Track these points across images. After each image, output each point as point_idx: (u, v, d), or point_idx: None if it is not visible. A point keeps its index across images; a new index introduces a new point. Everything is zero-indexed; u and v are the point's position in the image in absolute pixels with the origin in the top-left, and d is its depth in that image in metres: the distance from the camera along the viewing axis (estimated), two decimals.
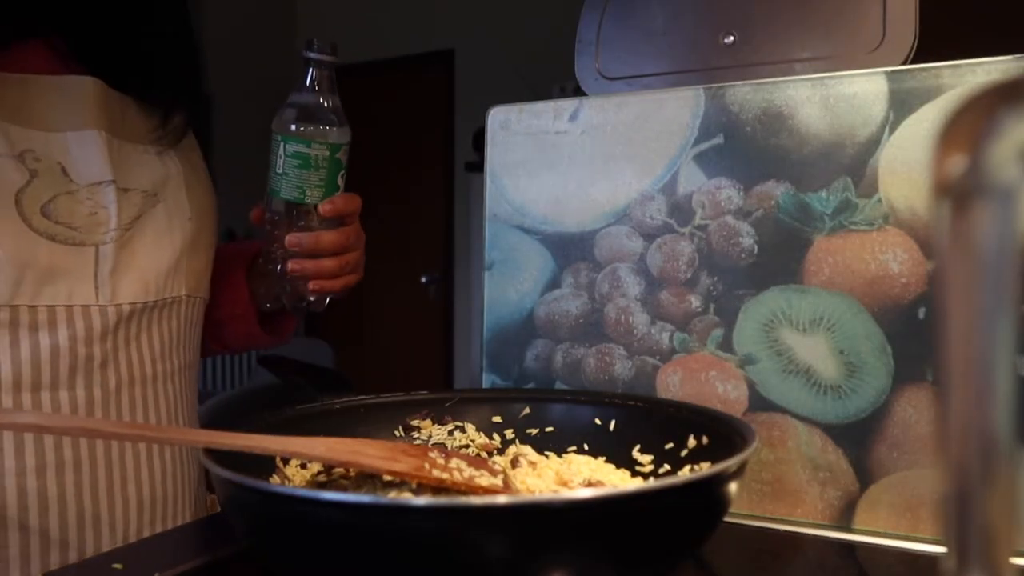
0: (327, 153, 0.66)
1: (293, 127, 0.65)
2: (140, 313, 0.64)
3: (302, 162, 0.65)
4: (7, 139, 0.58)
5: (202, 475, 0.72)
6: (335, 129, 0.66)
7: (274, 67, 3.93)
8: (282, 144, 0.66)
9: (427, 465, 0.45)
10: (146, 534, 0.64)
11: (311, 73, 0.66)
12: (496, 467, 0.49)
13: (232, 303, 0.77)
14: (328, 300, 0.73)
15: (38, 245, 0.58)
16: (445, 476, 0.45)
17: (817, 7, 0.64)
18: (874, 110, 0.58)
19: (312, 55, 0.66)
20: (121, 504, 0.62)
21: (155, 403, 0.65)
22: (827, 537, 0.56)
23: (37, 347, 0.58)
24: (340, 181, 0.68)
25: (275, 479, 0.50)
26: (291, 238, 0.67)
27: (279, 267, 0.70)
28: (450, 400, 0.61)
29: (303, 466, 0.53)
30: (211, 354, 0.82)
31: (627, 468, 0.54)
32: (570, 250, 0.68)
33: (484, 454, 0.57)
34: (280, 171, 0.66)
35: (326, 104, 0.66)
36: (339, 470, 0.51)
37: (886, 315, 0.57)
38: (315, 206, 0.67)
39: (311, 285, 0.69)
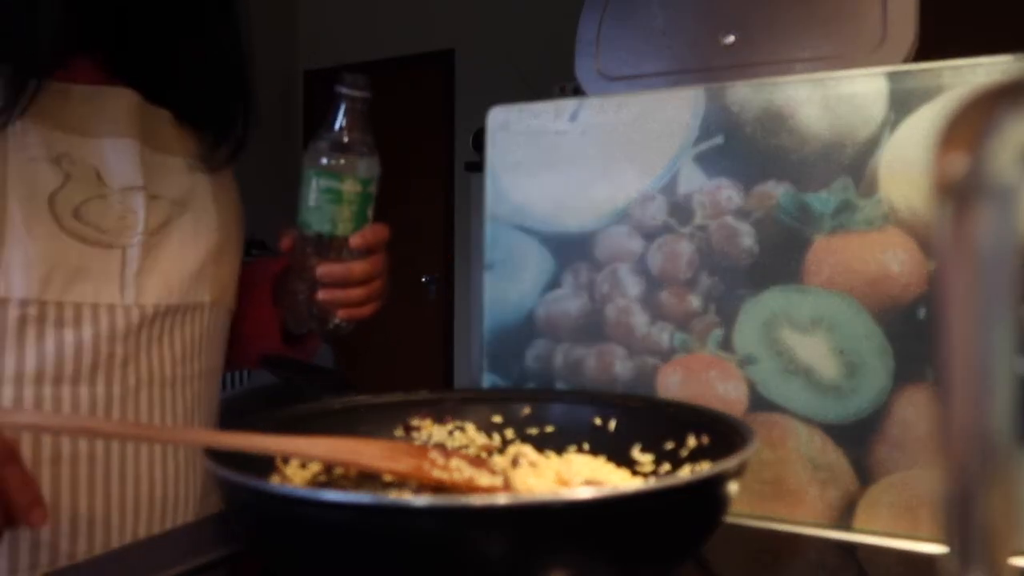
0: (359, 188, 0.66)
1: (325, 161, 0.65)
2: (163, 315, 0.65)
3: (334, 197, 0.65)
4: (45, 143, 0.60)
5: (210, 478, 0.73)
6: (366, 163, 0.66)
7: (274, 67, 3.93)
8: (314, 179, 0.65)
9: (427, 465, 0.45)
10: (155, 532, 0.64)
11: (343, 108, 0.66)
12: (496, 467, 0.49)
13: (256, 318, 0.78)
14: (354, 325, 0.73)
15: (68, 245, 0.60)
16: (445, 476, 0.45)
17: (817, 7, 0.64)
18: (874, 110, 0.58)
19: (344, 90, 0.65)
20: (132, 502, 0.63)
21: (172, 405, 0.66)
22: (827, 537, 0.56)
23: (61, 342, 0.60)
24: (370, 213, 0.68)
25: (275, 479, 0.50)
26: (322, 269, 0.67)
27: (308, 295, 0.70)
28: (450, 400, 0.61)
29: (303, 466, 0.53)
30: (235, 368, 0.84)
31: (627, 468, 0.54)
32: (570, 250, 0.68)
33: (484, 454, 0.57)
34: (312, 205, 0.66)
35: (358, 139, 0.66)
36: (339, 470, 0.51)
37: (886, 315, 0.57)
38: (346, 238, 0.67)
39: (340, 313, 0.70)
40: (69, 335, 0.60)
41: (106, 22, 0.66)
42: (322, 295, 0.69)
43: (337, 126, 0.66)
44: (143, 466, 0.64)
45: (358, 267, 0.69)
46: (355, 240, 0.67)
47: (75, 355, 0.60)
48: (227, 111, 0.72)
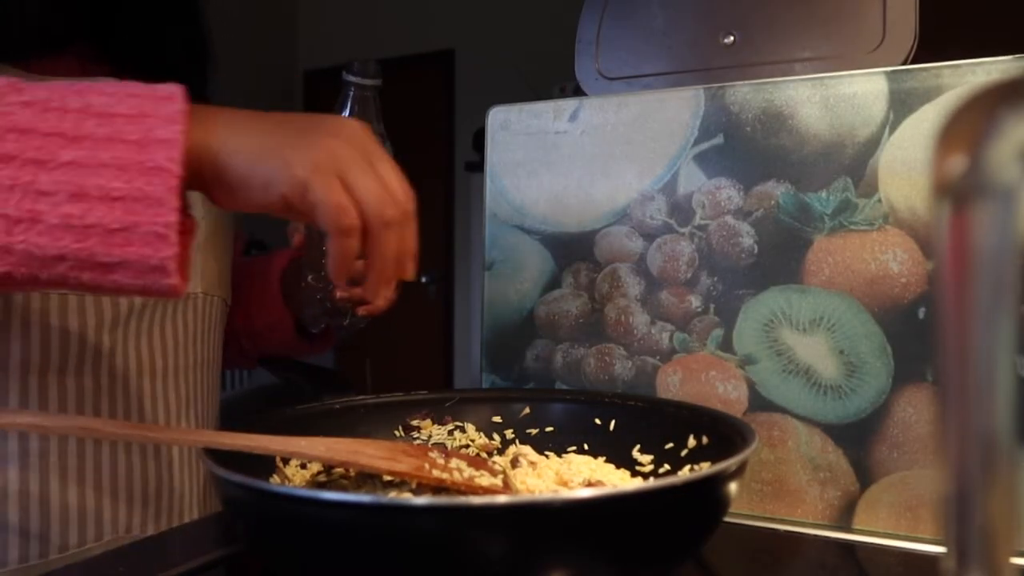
0: None
1: None
2: (153, 305, 0.65)
3: None
4: None
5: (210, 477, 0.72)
6: None
7: (274, 66, 3.93)
8: None
9: (427, 465, 0.45)
10: (150, 531, 0.64)
11: (352, 96, 0.63)
12: (496, 467, 0.49)
13: (267, 312, 0.78)
14: (369, 320, 0.72)
15: None
16: (445, 476, 0.45)
17: (817, 7, 0.64)
18: (874, 110, 0.58)
19: (353, 78, 0.63)
20: (125, 494, 0.62)
21: (164, 396, 0.66)
22: (827, 537, 0.56)
23: (48, 331, 0.59)
24: None
25: (275, 479, 0.50)
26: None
27: (324, 292, 0.69)
28: (450, 400, 0.61)
29: (303, 466, 0.53)
30: (253, 365, 0.83)
31: (627, 468, 0.54)
32: (570, 250, 0.68)
33: (484, 454, 0.57)
34: None
35: (370, 129, 0.65)
36: (339, 470, 0.51)
37: (886, 315, 0.57)
38: None
39: (359, 310, 0.69)
40: (55, 324, 0.60)
41: (95, 15, 0.65)
42: (340, 293, 0.67)
43: (346, 115, 0.64)
44: (135, 458, 0.63)
45: None
46: None
47: (61, 345, 0.60)
48: (179, 58, 0.71)
